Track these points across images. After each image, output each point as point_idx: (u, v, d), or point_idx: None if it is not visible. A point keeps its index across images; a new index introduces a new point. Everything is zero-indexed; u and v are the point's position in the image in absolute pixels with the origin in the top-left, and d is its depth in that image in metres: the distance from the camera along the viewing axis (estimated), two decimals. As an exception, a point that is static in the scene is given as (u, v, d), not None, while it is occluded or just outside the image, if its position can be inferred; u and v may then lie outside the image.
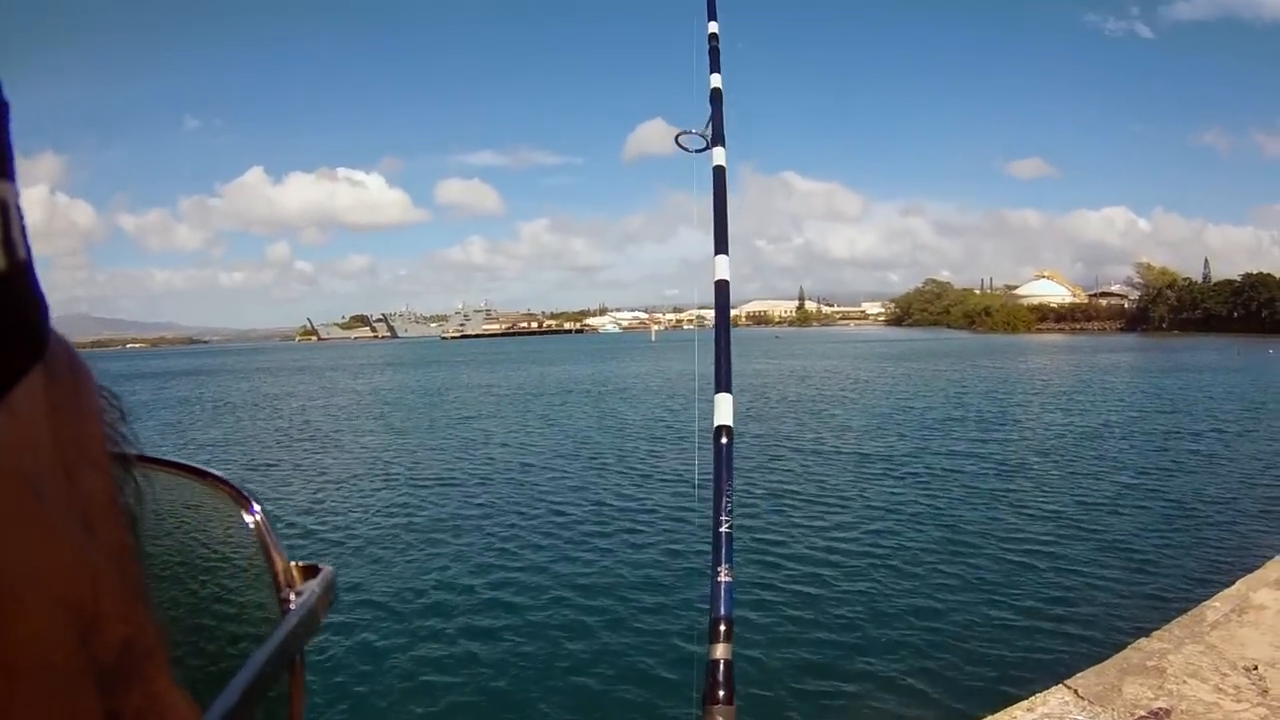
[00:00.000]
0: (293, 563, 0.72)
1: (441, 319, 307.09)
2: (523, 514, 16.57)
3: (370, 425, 34.95)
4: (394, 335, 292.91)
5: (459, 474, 21.70)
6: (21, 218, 0.33)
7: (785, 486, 18.19)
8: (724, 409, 2.36)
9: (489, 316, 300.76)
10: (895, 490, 17.66)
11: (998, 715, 5.42)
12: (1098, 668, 5.92)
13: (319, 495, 19.48)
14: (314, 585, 0.70)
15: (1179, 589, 11.08)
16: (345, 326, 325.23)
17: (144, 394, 58.83)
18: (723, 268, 2.70)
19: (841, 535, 14.04)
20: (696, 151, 2.93)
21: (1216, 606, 7.05)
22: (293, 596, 0.69)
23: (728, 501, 2.11)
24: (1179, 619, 6.85)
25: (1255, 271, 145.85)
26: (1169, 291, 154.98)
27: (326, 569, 0.73)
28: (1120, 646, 6.51)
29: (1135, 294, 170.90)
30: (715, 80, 3.09)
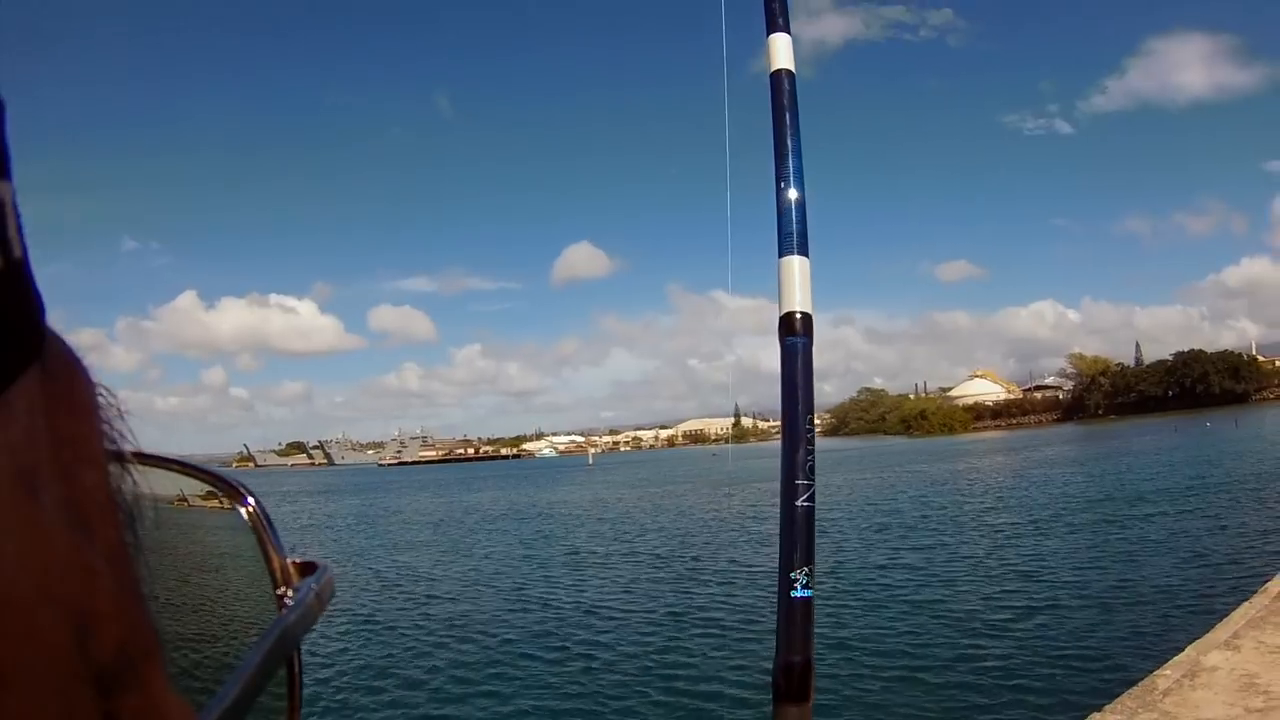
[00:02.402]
0: (289, 559, 0.72)
1: (378, 446, 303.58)
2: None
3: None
4: (331, 463, 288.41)
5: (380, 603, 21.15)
6: (19, 216, 0.33)
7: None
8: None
9: (425, 444, 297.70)
10: (847, 591, 17.52)
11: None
12: (1054, 742, 5.80)
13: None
14: (310, 582, 0.70)
15: (1129, 661, 11.03)
16: (282, 454, 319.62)
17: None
18: (783, 52, 2.41)
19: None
20: None
21: (1167, 674, 6.98)
22: (289, 593, 0.69)
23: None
24: (1130, 690, 6.76)
25: (1186, 349, 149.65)
26: (1103, 379, 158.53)
27: (323, 565, 0.73)
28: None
29: (1069, 384, 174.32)
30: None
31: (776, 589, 1.98)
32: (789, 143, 2.31)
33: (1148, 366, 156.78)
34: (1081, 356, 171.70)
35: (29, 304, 0.33)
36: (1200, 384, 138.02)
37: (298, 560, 0.72)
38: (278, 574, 0.71)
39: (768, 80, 2.41)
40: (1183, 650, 7.68)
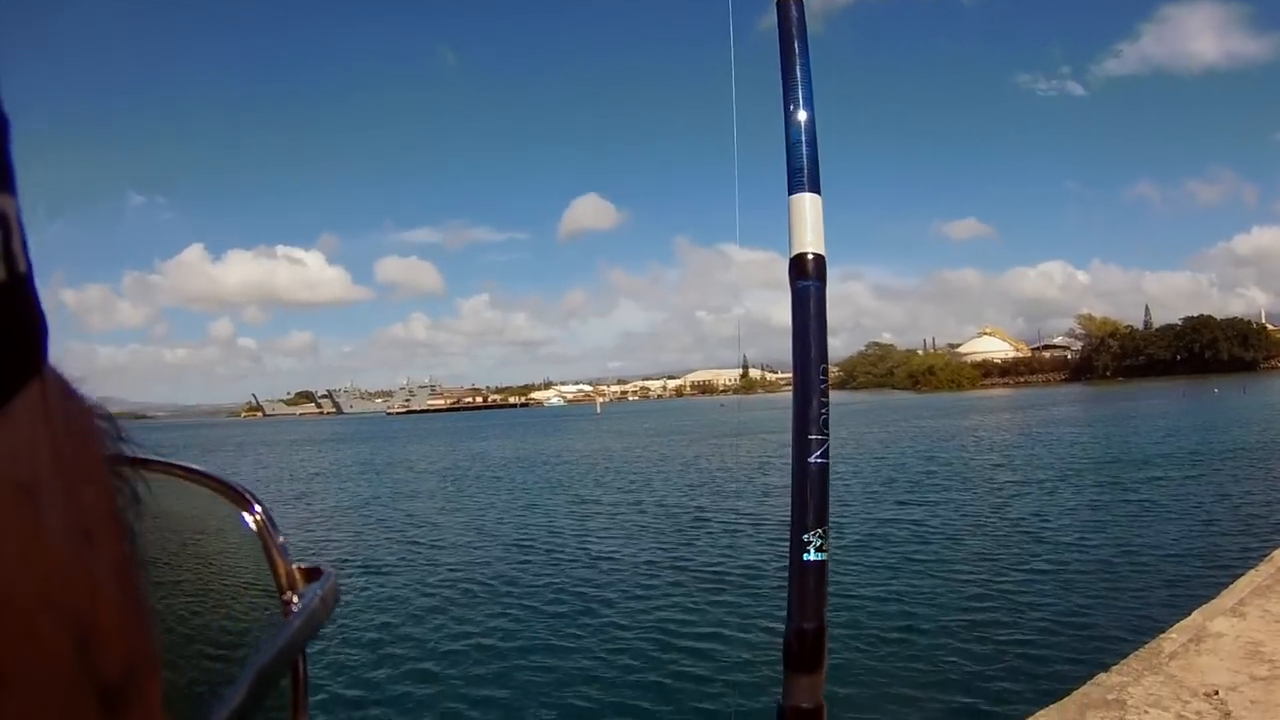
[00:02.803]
0: (294, 565, 0.72)
1: (386, 395, 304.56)
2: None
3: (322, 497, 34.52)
4: (339, 411, 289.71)
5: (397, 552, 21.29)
6: (22, 230, 0.33)
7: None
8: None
9: (434, 392, 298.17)
10: (856, 541, 17.51)
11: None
12: (1058, 705, 5.76)
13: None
14: (316, 588, 0.70)
15: (1135, 624, 11.03)
16: (290, 403, 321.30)
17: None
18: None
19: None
20: None
21: (1174, 638, 6.93)
22: (294, 599, 0.69)
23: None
24: (1136, 652, 6.72)
25: (1195, 315, 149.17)
26: (1111, 340, 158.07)
27: (328, 572, 0.72)
28: (1079, 683, 6.35)
29: (1078, 345, 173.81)
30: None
31: (788, 549, 1.85)
32: (797, 67, 2.09)
33: (1156, 330, 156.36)
34: (1091, 318, 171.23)
35: (32, 318, 0.34)
36: (1209, 350, 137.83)
37: (303, 566, 0.72)
38: (283, 579, 0.70)
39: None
40: (1189, 615, 7.64)
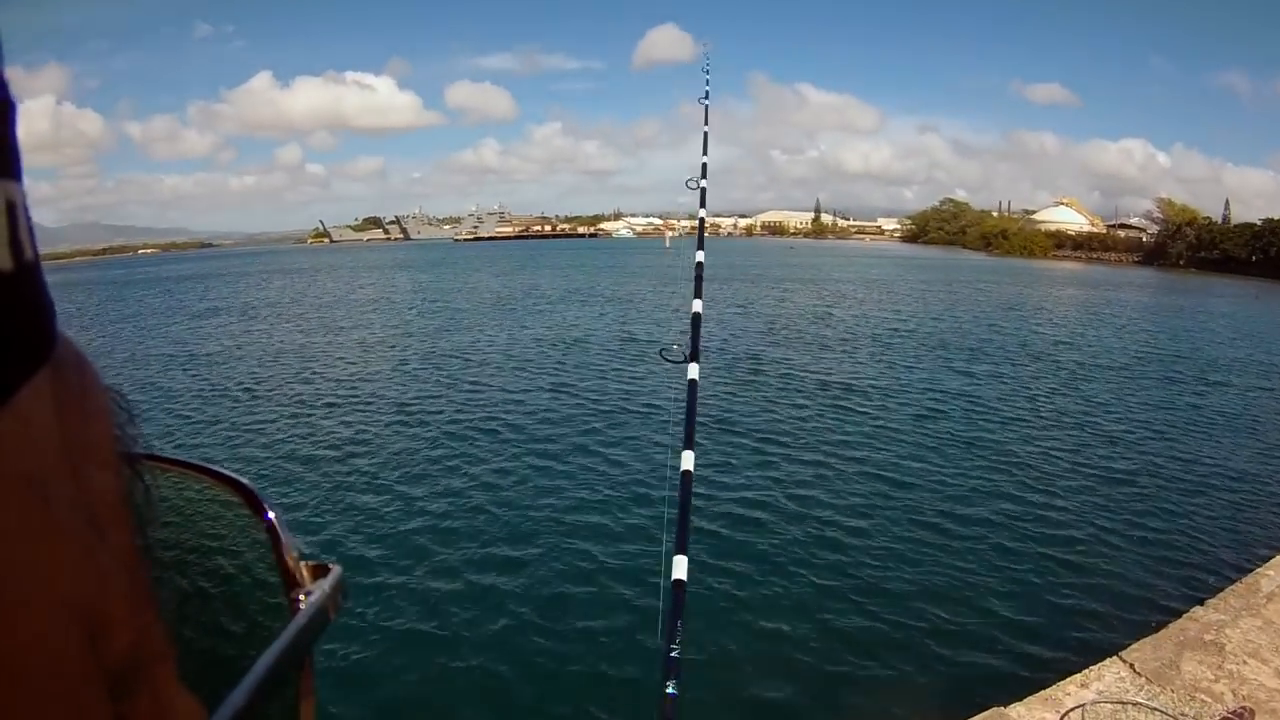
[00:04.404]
0: (302, 562, 0.72)
1: (454, 221, 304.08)
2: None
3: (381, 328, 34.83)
4: (407, 237, 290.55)
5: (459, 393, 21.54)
6: (28, 218, 0.33)
7: (800, 424, 17.99)
8: (680, 568, 2.91)
9: (502, 219, 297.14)
10: (928, 434, 16.80)
11: (1050, 689, 5.21)
12: (1153, 639, 5.72)
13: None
14: (324, 585, 0.70)
15: (1226, 552, 10.84)
16: (357, 229, 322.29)
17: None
18: (687, 461, 3.40)
19: (867, 487, 13.36)
20: (675, 364, 3.96)
21: (1270, 575, 6.86)
22: (302, 596, 0.69)
23: (679, 635, 2.54)
24: (1233, 588, 6.67)
25: (1275, 217, 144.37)
26: (1188, 229, 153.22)
27: (336, 569, 0.72)
28: (1172, 613, 6.32)
29: (1154, 228, 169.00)
30: (697, 305, 4.40)
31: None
32: None
33: (1234, 226, 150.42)
34: (1170, 203, 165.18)
35: (40, 306, 0.34)
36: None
37: (311, 563, 0.73)
38: (291, 576, 0.71)
39: None
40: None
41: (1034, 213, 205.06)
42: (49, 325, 0.35)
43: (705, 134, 5.77)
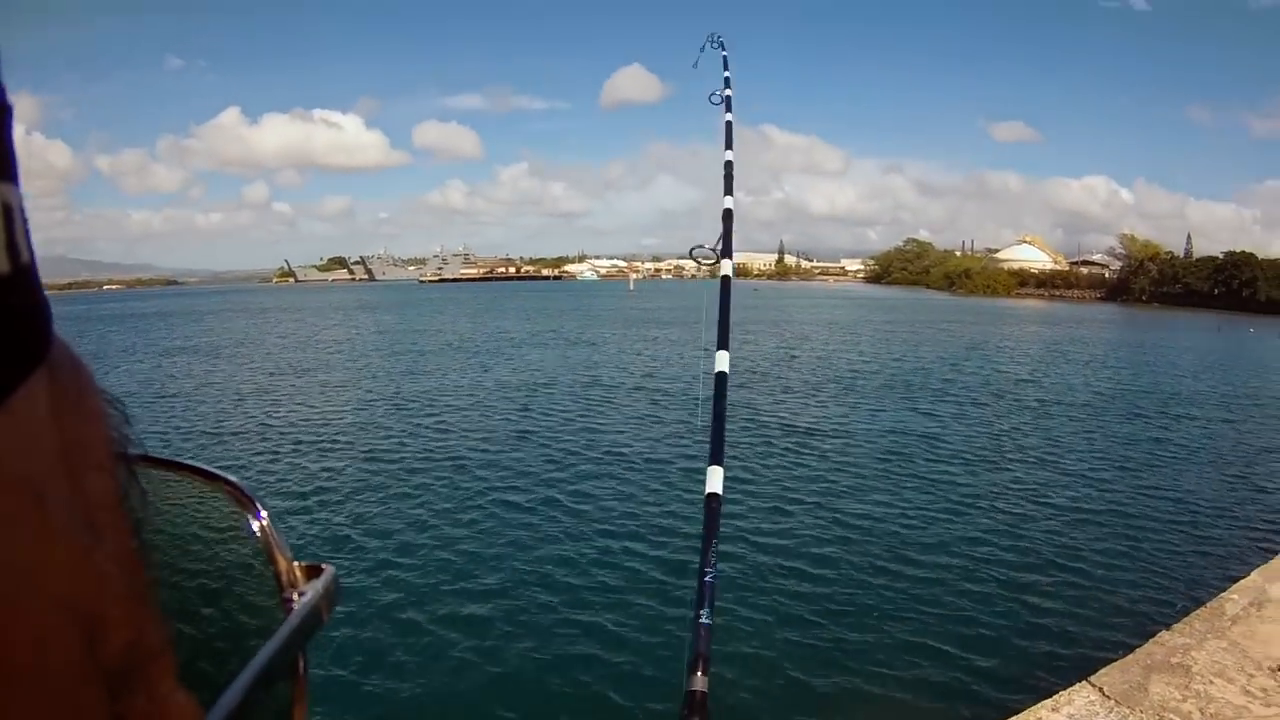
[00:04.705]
0: (295, 563, 0.72)
1: (420, 262, 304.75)
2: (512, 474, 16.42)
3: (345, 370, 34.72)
4: (372, 278, 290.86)
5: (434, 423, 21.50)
6: (25, 220, 0.33)
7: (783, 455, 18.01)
8: (715, 479, 2.57)
9: (467, 261, 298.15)
10: (893, 474, 16.80)
11: (1022, 714, 5.23)
12: (1121, 664, 5.75)
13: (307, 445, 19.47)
14: (317, 585, 0.71)
15: (1191, 578, 10.99)
16: (323, 269, 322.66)
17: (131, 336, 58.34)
18: (723, 361, 3.06)
19: (838, 518, 13.48)
20: (708, 264, 3.58)
21: (1235, 599, 6.91)
22: (295, 597, 0.70)
23: (713, 556, 2.29)
24: (1198, 612, 6.70)
25: (1237, 250, 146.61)
26: (1151, 264, 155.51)
27: (329, 569, 0.73)
28: (1140, 639, 6.36)
29: (1116, 264, 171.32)
30: (728, 202, 3.78)
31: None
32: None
33: (1197, 260, 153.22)
34: (1133, 238, 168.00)
35: (35, 308, 0.34)
36: (1247, 288, 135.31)
37: (304, 563, 0.73)
38: (284, 577, 0.71)
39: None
40: (1249, 575, 7.60)
41: (997, 251, 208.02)
42: (45, 328, 0.35)
43: (728, 124, 4.06)
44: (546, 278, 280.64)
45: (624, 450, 18.11)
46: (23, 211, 0.33)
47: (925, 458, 17.87)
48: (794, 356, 38.51)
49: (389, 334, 54.40)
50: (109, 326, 71.92)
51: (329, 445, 19.20)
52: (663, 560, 11.55)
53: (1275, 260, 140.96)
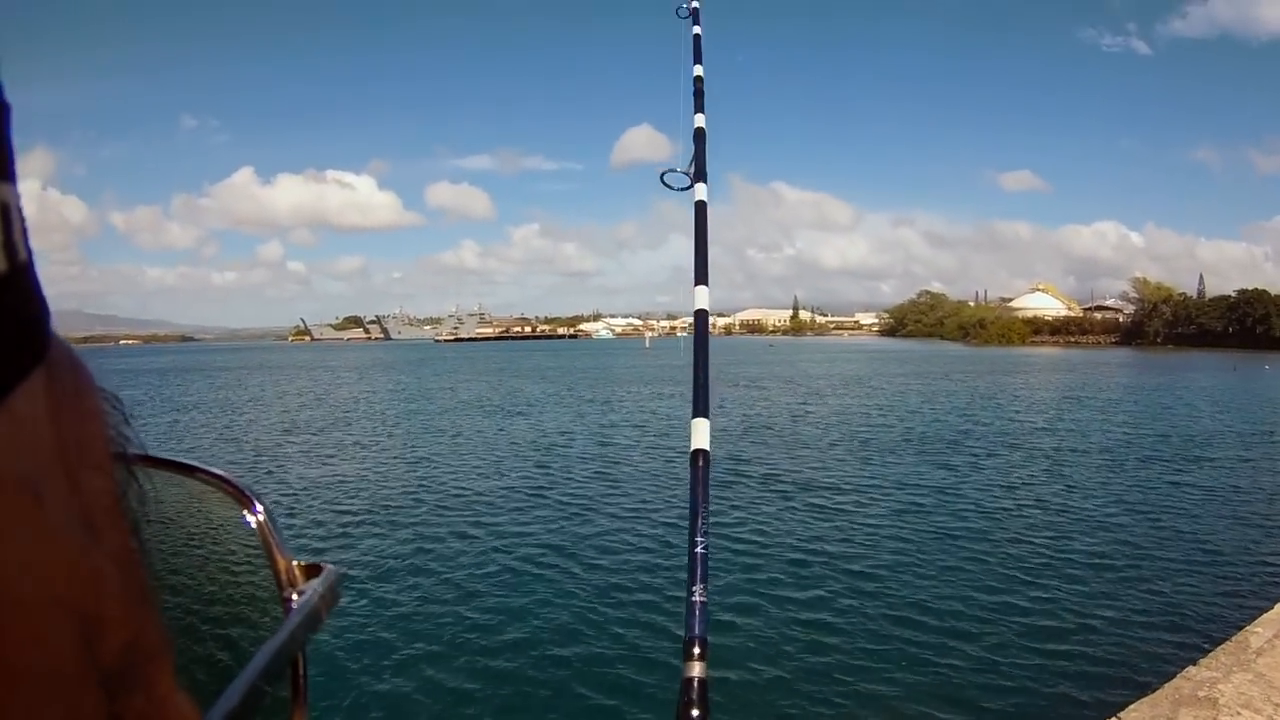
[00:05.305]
0: (295, 562, 0.72)
1: (435, 321, 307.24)
2: (512, 519, 16.42)
3: (366, 425, 34.75)
4: (387, 337, 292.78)
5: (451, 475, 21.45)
6: (23, 219, 0.33)
7: (787, 502, 18.04)
8: (701, 433, 2.35)
9: (482, 320, 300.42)
10: (909, 527, 16.47)
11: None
12: (1150, 699, 5.72)
13: (318, 493, 19.51)
14: (316, 584, 0.70)
15: (1215, 615, 10.85)
16: (338, 327, 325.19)
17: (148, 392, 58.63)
18: (702, 298, 2.78)
19: (855, 569, 13.36)
20: (681, 190, 3.03)
21: (1259, 632, 6.88)
22: (295, 596, 0.70)
23: (704, 523, 2.09)
24: (1223, 645, 6.68)
25: (1250, 288, 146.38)
26: (1164, 306, 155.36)
27: (329, 568, 0.73)
28: (1166, 675, 6.33)
29: (1130, 308, 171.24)
30: (699, 120, 3.26)
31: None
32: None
33: (1210, 300, 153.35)
34: (1145, 281, 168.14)
35: (33, 307, 0.34)
36: (1261, 325, 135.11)
37: (304, 562, 0.73)
38: (283, 576, 0.71)
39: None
40: (1273, 609, 7.57)
41: (1011, 300, 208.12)
42: (43, 327, 0.35)
43: (696, 38, 3.58)
44: (562, 336, 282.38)
45: (623, 500, 18.06)
46: (20, 211, 0.33)
47: (943, 511, 17.54)
48: (809, 412, 38.34)
49: (406, 393, 54.43)
50: (124, 381, 72.16)
51: (348, 497, 19.23)
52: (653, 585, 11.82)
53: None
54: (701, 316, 2.73)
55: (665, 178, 3.04)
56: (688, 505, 2.10)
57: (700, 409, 2.39)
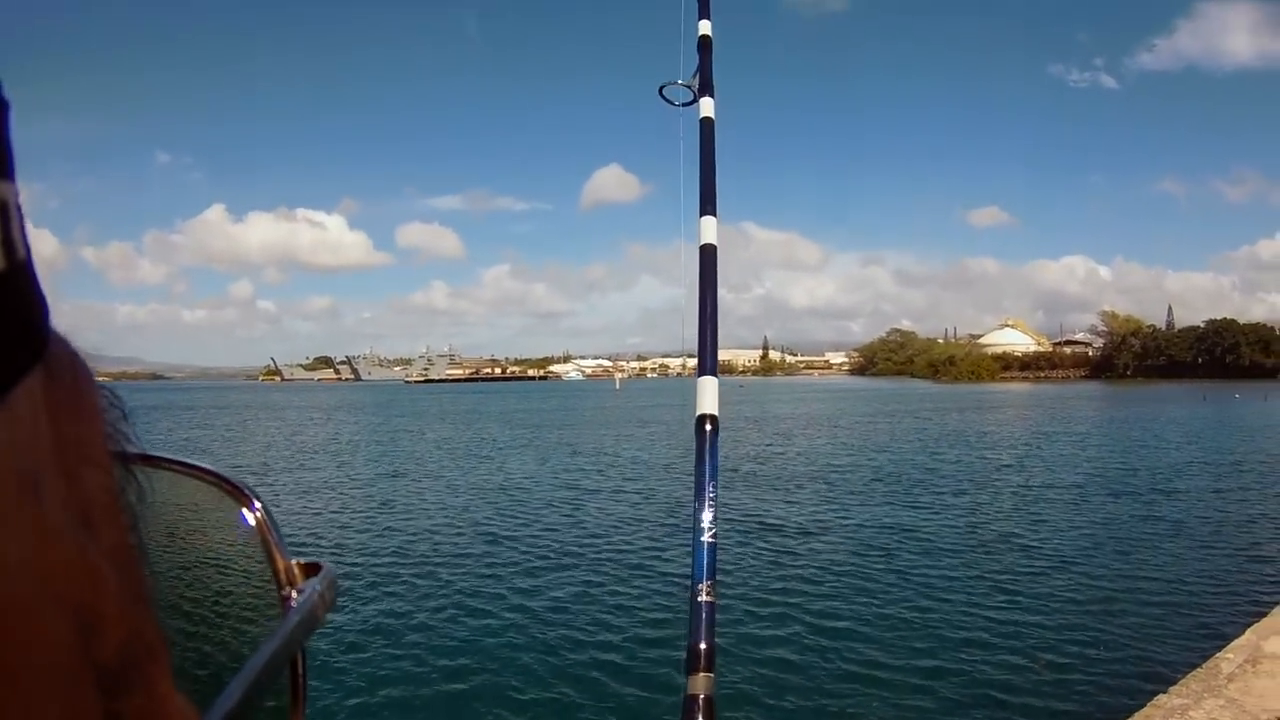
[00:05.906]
0: (293, 560, 0.72)
1: (405, 362, 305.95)
2: (507, 543, 16.13)
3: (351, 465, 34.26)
4: (358, 378, 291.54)
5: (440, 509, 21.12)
6: (21, 217, 0.33)
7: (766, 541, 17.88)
8: (709, 394, 2.13)
9: (453, 361, 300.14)
10: (872, 568, 16.14)
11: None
12: (1121, 727, 5.72)
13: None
14: (315, 583, 0.70)
15: (1185, 645, 10.78)
16: (309, 368, 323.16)
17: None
18: (709, 231, 2.45)
19: (829, 611, 13.31)
20: (684, 105, 2.68)
21: (1230, 658, 6.89)
22: (293, 594, 0.69)
23: (713, 505, 1.83)
24: (1194, 672, 6.68)
25: (1218, 318, 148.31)
26: (1133, 339, 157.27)
27: (327, 567, 0.72)
28: (1137, 704, 6.32)
29: (1099, 341, 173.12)
30: (705, 27, 2.82)
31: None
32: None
33: (1178, 331, 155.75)
34: (1114, 315, 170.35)
35: (32, 305, 0.34)
36: (1230, 354, 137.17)
37: (302, 561, 0.72)
38: (282, 575, 0.71)
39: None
40: (1242, 635, 7.60)
41: (980, 336, 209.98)
42: (42, 324, 0.35)
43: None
44: (533, 378, 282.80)
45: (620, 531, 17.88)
46: (20, 209, 0.33)
47: (908, 551, 17.37)
48: (779, 454, 38.29)
49: (377, 434, 54.08)
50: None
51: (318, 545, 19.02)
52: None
53: (1256, 325, 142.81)
54: (709, 253, 2.43)
55: (665, 91, 2.71)
56: (687, 508, 1.85)
57: (707, 367, 2.19)
